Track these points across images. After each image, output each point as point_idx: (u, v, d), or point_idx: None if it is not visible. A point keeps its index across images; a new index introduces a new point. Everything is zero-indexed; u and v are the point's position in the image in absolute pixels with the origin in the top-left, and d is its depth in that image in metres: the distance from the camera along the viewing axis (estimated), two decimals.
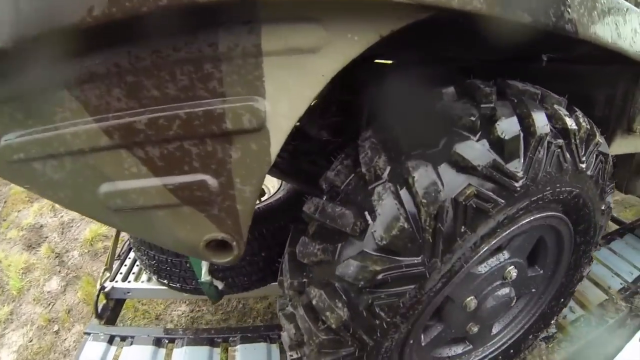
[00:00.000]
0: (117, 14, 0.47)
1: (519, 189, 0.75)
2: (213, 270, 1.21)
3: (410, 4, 0.56)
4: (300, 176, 1.32)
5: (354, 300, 0.73)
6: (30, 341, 2.42)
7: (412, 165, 0.69)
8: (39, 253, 3.12)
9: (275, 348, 1.25)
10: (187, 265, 1.25)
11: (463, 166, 0.70)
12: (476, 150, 0.71)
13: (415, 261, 0.71)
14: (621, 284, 2.06)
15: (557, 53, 1.05)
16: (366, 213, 0.70)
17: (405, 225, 0.67)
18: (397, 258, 0.69)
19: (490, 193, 0.72)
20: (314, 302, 0.76)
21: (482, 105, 0.75)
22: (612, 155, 1.06)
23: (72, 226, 3.45)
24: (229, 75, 0.56)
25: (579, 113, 0.89)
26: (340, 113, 1.34)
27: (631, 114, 1.12)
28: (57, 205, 3.79)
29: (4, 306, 2.65)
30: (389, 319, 0.75)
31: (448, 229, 0.71)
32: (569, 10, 0.69)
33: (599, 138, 0.94)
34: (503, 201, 0.74)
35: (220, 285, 1.26)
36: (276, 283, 1.43)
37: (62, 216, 3.65)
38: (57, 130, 0.59)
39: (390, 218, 0.68)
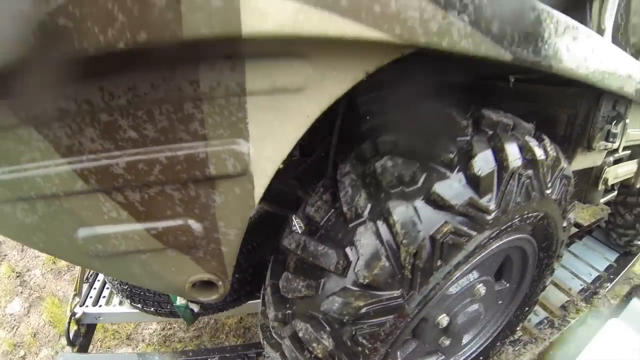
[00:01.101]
0: (90, 50, 0.43)
1: (490, 221, 0.78)
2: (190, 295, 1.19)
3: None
4: (270, 197, 1.32)
5: (338, 331, 0.75)
6: None
7: (393, 205, 0.71)
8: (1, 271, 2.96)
9: None
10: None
11: (441, 205, 0.73)
12: (454, 189, 0.74)
13: (395, 294, 0.74)
14: (581, 285, 2.19)
15: (522, 75, 1.10)
16: (348, 251, 0.72)
17: (386, 264, 0.70)
18: (378, 293, 0.71)
19: (465, 228, 0.75)
20: (300, 334, 0.77)
21: (459, 139, 0.78)
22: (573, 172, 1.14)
23: None
24: (211, 116, 0.54)
25: (547, 141, 0.94)
26: (308, 130, 1.34)
27: (591, 133, 1.19)
28: None
29: None
30: (370, 346, 0.78)
31: (425, 264, 0.73)
32: (546, 46, 0.72)
33: (564, 163, 0.99)
34: (475, 233, 0.78)
35: (196, 308, 1.24)
36: (248, 302, 1.44)
37: None
38: (25, 171, 0.55)
39: (372, 257, 0.70)
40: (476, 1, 0.57)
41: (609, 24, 1.03)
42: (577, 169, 1.30)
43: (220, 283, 0.64)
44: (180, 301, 1.19)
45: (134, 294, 1.32)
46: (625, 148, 1.53)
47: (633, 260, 2.54)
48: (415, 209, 0.70)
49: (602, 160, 1.42)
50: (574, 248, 2.56)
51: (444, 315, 1.02)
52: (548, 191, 0.92)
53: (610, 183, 1.51)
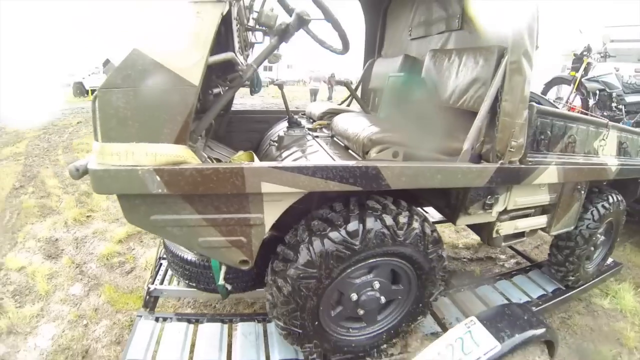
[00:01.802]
0: None
1: (357, 249, 1.55)
2: (226, 277, 2.09)
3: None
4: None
5: (292, 284, 1.54)
6: (63, 331, 2.79)
7: (314, 240, 1.53)
8: (60, 263, 3.59)
9: (260, 325, 2.13)
10: (210, 273, 2.12)
11: (335, 241, 1.52)
12: (340, 235, 1.53)
13: (314, 272, 1.54)
14: None
15: None
16: (299, 255, 1.52)
17: (310, 259, 1.51)
18: (307, 269, 1.52)
19: (345, 251, 1.53)
20: (278, 283, 1.59)
21: (351, 215, 1.55)
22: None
23: (85, 242, 4.03)
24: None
25: (404, 215, 1.65)
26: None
27: (466, 204, 1.89)
28: (69, 222, 4.36)
29: (33, 304, 3.02)
30: (306, 293, 1.56)
31: (324, 262, 1.53)
32: None
33: (416, 224, 1.66)
34: (349, 253, 1.55)
35: (229, 287, 2.12)
36: (261, 289, 2.31)
37: (75, 232, 4.20)
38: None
39: (305, 257, 1.51)
40: None
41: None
42: (469, 224, 2.11)
43: (250, 262, 1.52)
44: (221, 281, 2.09)
45: (192, 276, 2.21)
46: (532, 207, 2.28)
47: (570, 293, 3.08)
48: (322, 242, 1.50)
49: (496, 217, 2.08)
50: (516, 279, 3.14)
51: (354, 293, 1.74)
52: (400, 239, 1.62)
53: (505, 234, 2.20)
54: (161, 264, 2.53)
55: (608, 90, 4.59)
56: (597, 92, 4.62)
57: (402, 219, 1.62)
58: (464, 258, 4.39)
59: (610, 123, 2.55)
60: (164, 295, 2.36)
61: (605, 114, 4.53)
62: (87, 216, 4.62)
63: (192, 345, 1.97)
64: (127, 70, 1.16)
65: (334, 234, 1.51)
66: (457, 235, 5.02)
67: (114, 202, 5.05)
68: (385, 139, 1.73)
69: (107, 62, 1.18)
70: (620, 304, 3.82)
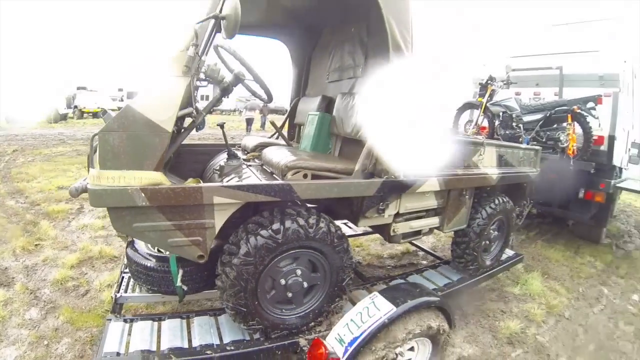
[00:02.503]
0: None
1: (280, 242, 2.13)
2: (182, 280, 2.65)
3: None
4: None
5: (237, 270, 2.10)
6: (25, 352, 2.97)
7: (249, 238, 2.15)
8: (13, 290, 3.79)
9: (212, 318, 2.65)
10: (170, 277, 2.68)
11: (264, 237, 2.13)
12: (267, 233, 2.10)
13: (250, 260, 2.12)
14: None
15: None
16: (239, 248, 2.13)
17: (246, 251, 2.11)
18: (246, 259, 2.10)
19: (270, 242, 2.13)
20: (227, 271, 2.14)
21: (274, 218, 2.20)
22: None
23: (36, 269, 4.25)
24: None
25: (313, 217, 2.26)
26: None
27: (363, 210, 2.58)
28: (17, 251, 4.60)
29: None
30: (246, 276, 2.12)
31: (257, 257, 2.14)
32: None
33: (322, 224, 2.26)
34: (275, 245, 2.12)
35: (185, 287, 2.66)
36: (212, 290, 2.88)
37: (24, 260, 4.44)
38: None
39: (244, 249, 2.10)
40: None
41: None
42: (370, 225, 2.81)
43: (205, 256, 2.08)
44: (178, 282, 2.65)
45: (154, 281, 2.74)
46: (423, 211, 3.05)
47: (473, 281, 3.79)
48: (255, 238, 2.09)
49: (392, 220, 2.83)
50: (426, 273, 3.80)
51: (282, 279, 2.29)
52: (311, 235, 2.20)
53: (401, 232, 2.93)
54: (123, 277, 3.06)
55: (509, 112, 5.67)
56: (501, 114, 5.67)
57: (312, 220, 2.25)
58: (389, 265, 5.19)
59: (486, 141, 3.45)
60: (129, 301, 2.87)
61: (507, 132, 5.59)
62: (36, 245, 4.87)
63: (158, 337, 2.46)
64: (122, 119, 1.76)
65: (263, 232, 2.12)
66: (382, 247, 5.84)
67: (61, 231, 5.38)
68: (298, 165, 2.34)
69: (104, 112, 1.83)
70: (529, 289, 4.80)
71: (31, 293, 3.83)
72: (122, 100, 29.35)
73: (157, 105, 1.82)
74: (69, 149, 11.78)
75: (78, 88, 25.95)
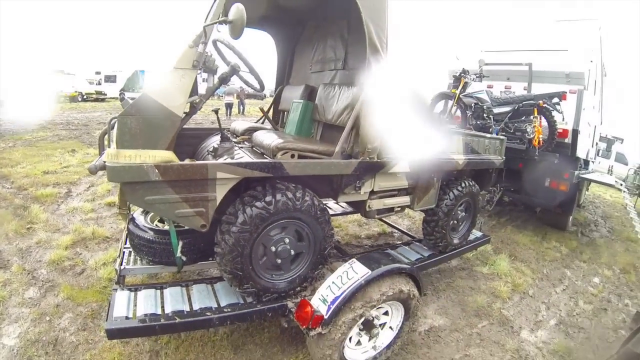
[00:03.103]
0: None
1: (272, 212, 2.44)
2: (182, 251, 2.98)
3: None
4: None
5: (235, 237, 2.44)
6: (28, 329, 3.15)
7: (246, 209, 2.49)
8: (10, 271, 3.95)
9: (209, 285, 2.99)
10: (170, 249, 3.02)
11: (254, 207, 2.48)
12: (260, 204, 2.45)
13: (246, 228, 2.44)
14: None
15: None
16: (237, 217, 2.46)
17: (243, 219, 2.45)
18: (243, 227, 2.44)
19: (263, 212, 2.47)
20: (226, 239, 2.46)
21: (267, 192, 2.55)
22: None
23: (30, 251, 4.44)
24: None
25: (300, 192, 2.57)
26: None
27: (342, 186, 2.95)
28: (10, 234, 4.78)
29: None
30: (243, 243, 2.45)
31: (252, 226, 2.49)
32: None
33: (307, 198, 2.58)
34: (267, 214, 2.44)
35: (184, 258, 3.00)
36: (208, 261, 3.22)
37: (17, 243, 4.56)
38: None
39: (240, 219, 2.44)
40: None
41: None
42: (348, 201, 3.22)
43: (207, 225, 2.40)
44: (178, 253, 2.98)
45: (155, 253, 3.07)
46: (395, 190, 3.50)
47: (442, 257, 4.25)
48: (251, 209, 2.43)
49: (367, 197, 3.24)
50: (399, 249, 4.23)
51: (273, 247, 2.59)
52: (298, 206, 2.52)
53: (376, 208, 3.33)
54: (124, 252, 3.39)
55: (480, 103, 6.15)
56: (473, 105, 6.15)
57: (298, 194, 2.58)
58: (366, 245, 5.62)
59: (453, 130, 3.90)
60: (131, 273, 3.21)
61: (478, 122, 6.07)
62: (28, 228, 5.08)
63: (162, 303, 2.76)
64: (139, 105, 2.06)
65: (258, 203, 2.42)
66: (360, 228, 6.29)
67: (52, 214, 5.61)
68: (286, 146, 2.64)
69: (123, 98, 2.17)
70: (497, 269, 5.29)
71: (28, 274, 4.01)
72: (99, 83, 28.89)
73: (170, 93, 2.11)
74: (50, 134, 11.75)
75: (54, 71, 25.47)
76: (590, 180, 7.59)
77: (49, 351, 3.01)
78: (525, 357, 3.61)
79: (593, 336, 4.11)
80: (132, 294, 2.82)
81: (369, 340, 3.05)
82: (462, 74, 5.98)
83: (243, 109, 22.84)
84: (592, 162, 8.36)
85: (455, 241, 4.43)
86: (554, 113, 5.88)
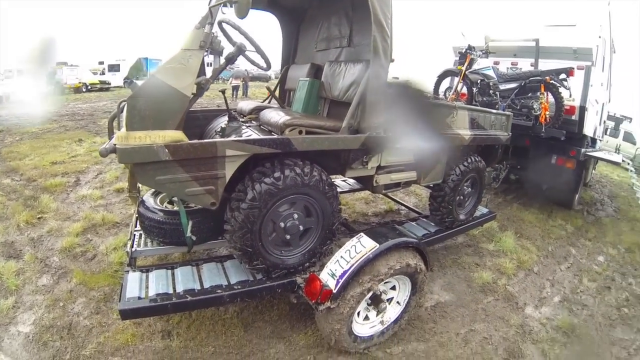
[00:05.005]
0: None
1: (280, 188, 2.48)
2: (192, 231, 3.03)
3: None
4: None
5: (244, 213, 2.49)
6: (43, 315, 3.21)
7: (255, 186, 2.53)
8: (23, 260, 4.02)
9: (219, 264, 3.06)
10: (180, 229, 3.08)
11: (266, 183, 2.54)
12: (270, 180, 2.47)
13: (255, 204, 2.50)
14: None
15: None
16: (246, 194, 2.50)
17: (252, 196, 2.50)
18: (252, 203, 2.49)
19: (272, 188, 2.51)
20: (235, 215, 2.53)
21: (275, 168, 2.59)
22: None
23: (42, 240, 4.49)
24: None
25: (307, 168, 2.60)
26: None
27: (349, 162, 2.98)
28: (21, 225, 4.82)
29: (6, 299, 3.37)
30: (252, 219, 2.52)
31: (261, 202, 2.52)
32: None
33: (315, 173, 2.63)
34: (276, 190, 2.49)
35: (194, 238, 3.04)
36: (217, 240, 3.24)
37: (29, 233, 4.61)
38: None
39: (249, 196, 2.50)
40: None
41: None
42: (355, 176, 3.25)
43: (217, 203, 2.45)
44: (188, 233, 3.03)
45: (166, 233, 3.13)
46: (402, 165, 3.46)
47: (448, 233, 4.28)
48: (260, 185, 2.47)
49: (375, 172, 3.28)
50: (406, 225, 4.27)
51: (282, 222, 2.64)
52: (306, 181, 2.56)
53: (383, 183, 3.37)
54: (134, 235, 3.46)
55: (486, 80, 6.13)
56: (479, 82, 6.13)
57: (306, 169, 2.62)
58: (373, 222, 5.67)
59: (458, 105, 3.91)
60: (142, 254, 3.26)
61: (485, 99, 6.06)
62: (38, 217, 5.14)
63: (173, 282, 2.82)
64: (148, 87, 2.10)
65: (267, 179, 2.46)
66: (367, 206, 6.34)
67: (61, 203, 5.69)
68: (294, 123, 2.67)
69: (131, 82, 2.19)
70: (502, 246, 5.33)
71: (41, 262, 4.07)
72: (103, 73, 28.73)
73: (178, 74, 2.13)
74: (56, 126, 11.75)
75: (58, 63, 25.51)
76: (596, 158, 7.55)
77: (63, 335, 3.08)
78: (529, 332, 3.67)
79: (596, 314, 4.14)
80: (144, 275, 2.88)
81: (377, 315, 3.12)
82: (468, 51, 5.95)
83: (246, 91, 23.30)
84: (600, 140, 8.31)
85: (462, 217, 4.46)
86: (561, 89, 5.82)
